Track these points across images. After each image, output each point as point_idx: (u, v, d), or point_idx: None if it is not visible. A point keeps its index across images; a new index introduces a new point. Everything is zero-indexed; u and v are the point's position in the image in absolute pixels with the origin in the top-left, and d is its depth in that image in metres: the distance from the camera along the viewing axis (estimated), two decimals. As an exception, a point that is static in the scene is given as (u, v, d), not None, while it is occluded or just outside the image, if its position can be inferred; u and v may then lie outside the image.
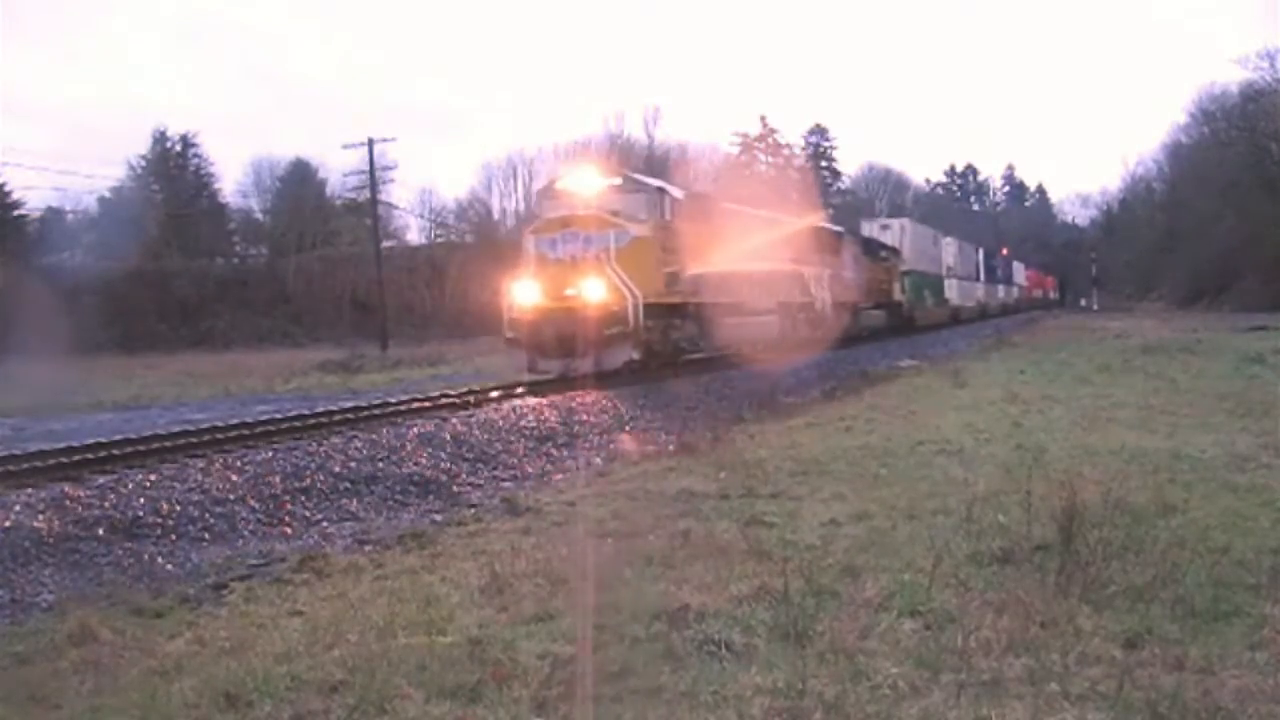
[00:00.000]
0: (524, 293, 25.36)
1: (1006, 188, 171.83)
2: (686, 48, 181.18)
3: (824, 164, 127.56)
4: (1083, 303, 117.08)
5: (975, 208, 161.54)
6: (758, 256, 33.83)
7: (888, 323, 53.44)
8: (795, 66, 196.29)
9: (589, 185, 26.72)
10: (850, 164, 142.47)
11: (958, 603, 7.16)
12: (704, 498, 11.42)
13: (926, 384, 25.20)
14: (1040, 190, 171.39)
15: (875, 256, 53.75)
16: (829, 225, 48.63)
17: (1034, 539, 8.33)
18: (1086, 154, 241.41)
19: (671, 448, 16.01)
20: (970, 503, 9.92)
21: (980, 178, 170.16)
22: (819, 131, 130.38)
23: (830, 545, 8.94)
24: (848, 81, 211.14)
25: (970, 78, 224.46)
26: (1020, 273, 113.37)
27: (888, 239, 59.97)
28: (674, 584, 7.89)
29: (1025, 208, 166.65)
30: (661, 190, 27.42)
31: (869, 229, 61.94)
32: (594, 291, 24.42)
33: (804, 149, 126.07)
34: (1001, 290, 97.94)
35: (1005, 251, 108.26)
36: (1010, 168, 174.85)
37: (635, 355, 25.01)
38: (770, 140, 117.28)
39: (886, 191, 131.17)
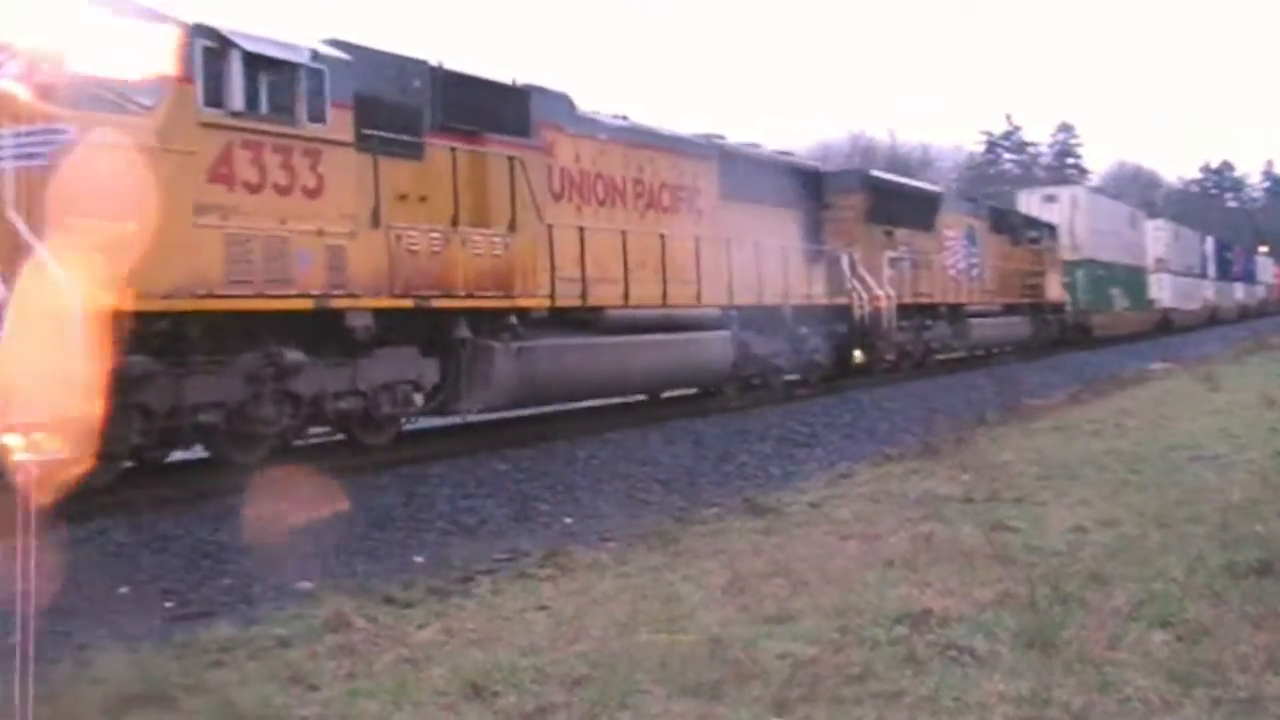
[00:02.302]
0: None
1: (1266, 183, 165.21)
2: (929, 46, 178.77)
3: (1070, 161, 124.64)
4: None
5: (1232, 204, 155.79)
6: (676, 215, 20.66)
7: (1032, 334, 38.80)
8: (1042, 63, 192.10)
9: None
10: (1098, 162, 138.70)
11: (1212, 615, 6.90)
12: (947, 501, 11.26)
13: (1178, 387, 24.33)
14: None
15: (1014, 237, 38.48)
16: (891, 177, 33.22)
17: (1295, 551, 8.03)
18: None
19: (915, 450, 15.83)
20: (1225, 511, 9.59)
21: (1237, 173, 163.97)
22: (1066, 129, 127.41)
23: (1077, 552, 8.73)
24: (1097, 78, 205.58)
25: (1224, 69, 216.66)
26: (1268, 270, 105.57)
27: (1053, 215, 44.98)
28: (916, 587, 7.80)
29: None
30: (211, 36, 12.36)
31: (1026, 201, 47.95)
32: None
33: (1050, 146, 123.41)
34: (1240, 290, 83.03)
35: (1265, 248, 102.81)
36: (1269, 163, 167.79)
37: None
38: (1015, 138, 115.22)
39: (1137, 190, 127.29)
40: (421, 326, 15.20)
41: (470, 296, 15.43)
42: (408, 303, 14.51)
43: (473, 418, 17.35)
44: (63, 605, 8.67)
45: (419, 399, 15.54)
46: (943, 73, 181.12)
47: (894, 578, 8.13)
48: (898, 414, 21.15)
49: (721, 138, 23.33)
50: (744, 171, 22.68)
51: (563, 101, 18.69)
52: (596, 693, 5.95)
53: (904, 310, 28.42)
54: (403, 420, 15.73)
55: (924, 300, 30.19)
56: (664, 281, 19.60)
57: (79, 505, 10.95)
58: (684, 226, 20.56)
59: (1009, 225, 38.51)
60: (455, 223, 15.26)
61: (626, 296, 18.70)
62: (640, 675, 6.16)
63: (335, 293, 13.55)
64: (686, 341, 20.05)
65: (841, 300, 25.76)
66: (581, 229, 17.93)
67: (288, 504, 12.14)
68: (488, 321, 16.07)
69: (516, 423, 18.39)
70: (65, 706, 6.06)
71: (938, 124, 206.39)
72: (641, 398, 22.01)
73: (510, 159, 16.34)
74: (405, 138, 14.72)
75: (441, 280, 14.96)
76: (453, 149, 15.49)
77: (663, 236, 19.76)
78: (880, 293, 26.90)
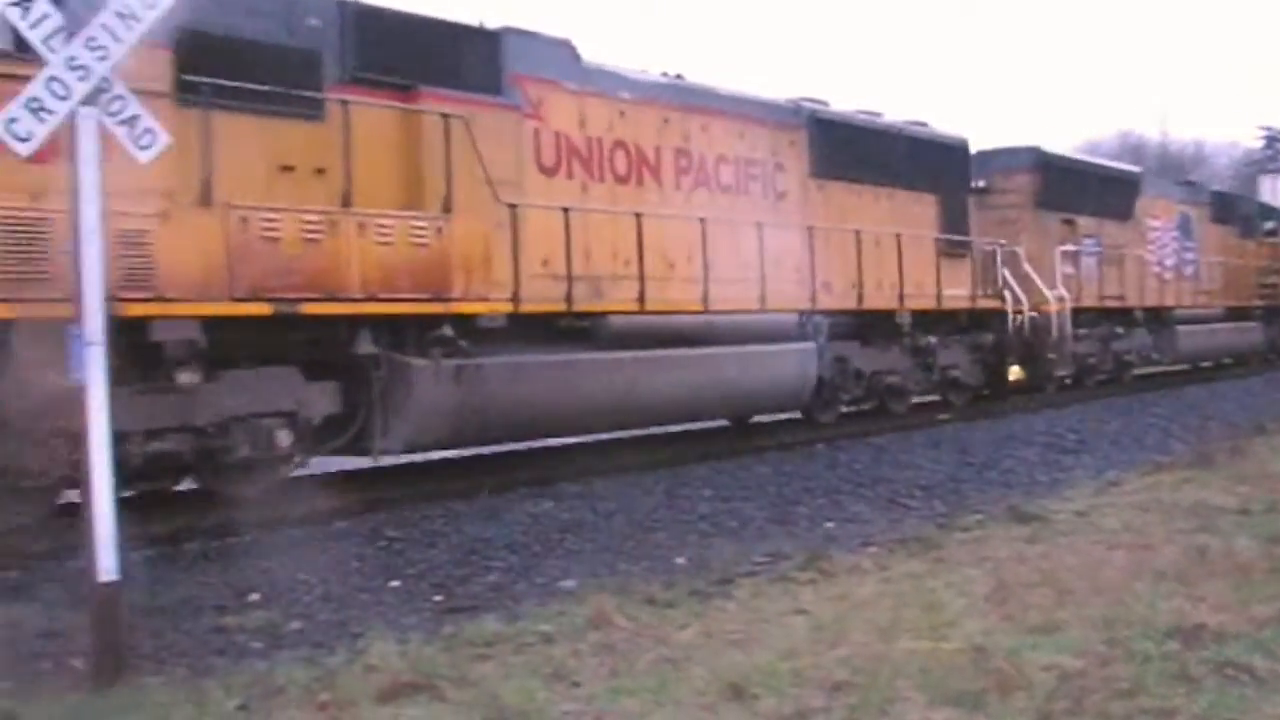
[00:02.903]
0: None
1: None
2: (1205, 37, 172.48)
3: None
4: None
5: None
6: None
7: (1267, 343, 33.79)
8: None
9: None
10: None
11: None
12: (1222, 512, 10.85)
13: None
14: None
15: (1245, 228, 33.28)
16: (1072, 154, 29.18)
17: None
18: None
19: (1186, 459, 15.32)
20: None
21: None
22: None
23: (1368, 569, 8.35)
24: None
25: None
26: None
27: None
28: (1188, 601, 7.54)
29: None
30: None
31: (1273, 187, 42.00)
32: None
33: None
34: None
35: None
36: None
37: None
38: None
39: None
40: (304, 340, 11.67)
41: (373, 300, 11.70)
42: (262, 308, 10.84)
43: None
44: (339, 595, 9.06)
45: (284, 436, 11.45)
46: (1219, 65, 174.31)
47: (1165, 590, 7.88)
48: (1169, 421, 20.48)
49: (823, 102, 19.17)
50: (848, 145, 18.59)
51: (559, 50, 14.70)
52: (856, 698, 5.92)
53: (1086, 315, 24.33)
54: (295, 462, 11.95)
55: (1114, 303, 25.80)
56: (706, 280, 15.55)
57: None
58: (749, 210, 16.62)
59: (1238, 214, 33.32)
60: (347, 202, 11.64)
61: (642, 299, 14.77)
62: (901, 682, 6.11)
63: (131, 295, 9.83)
64: (740, 356, 15.95)
65: (991, 303, 21.66)
66: (567, 211, 13.96)
67: (552, 502, 12.48)
68: (412, 333, 12.41)
69: (782, 426, 18.52)
70: (341, 691, 6.32)
71: (1213, 120, 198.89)
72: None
73: (445, 118, 12.52)
74: (281, 90, 11.31)
75: (325, 278, 11.29)
76: (343, 103, 11.79)
77: (703, 221, 15.58)
78: (1049, 294, 22.65)
